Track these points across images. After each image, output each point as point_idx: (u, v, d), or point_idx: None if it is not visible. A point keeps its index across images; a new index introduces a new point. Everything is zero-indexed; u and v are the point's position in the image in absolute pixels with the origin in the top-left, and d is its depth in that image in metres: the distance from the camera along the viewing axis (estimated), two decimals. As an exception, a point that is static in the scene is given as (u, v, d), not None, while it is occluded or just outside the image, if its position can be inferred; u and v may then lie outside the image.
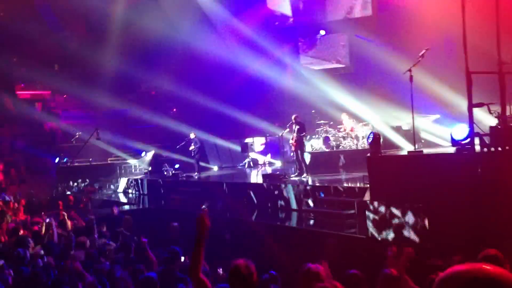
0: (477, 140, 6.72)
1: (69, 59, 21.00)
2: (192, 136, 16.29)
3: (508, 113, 7.17)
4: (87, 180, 18.17)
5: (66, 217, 9.34)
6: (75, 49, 20.21)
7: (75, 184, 18.31)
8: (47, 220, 8.66)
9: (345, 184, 10.42)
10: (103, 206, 13.97)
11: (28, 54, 20.31)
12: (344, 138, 15.39)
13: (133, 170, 19.65)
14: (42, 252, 7.02)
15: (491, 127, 6.67)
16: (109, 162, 20.00)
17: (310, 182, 11.64)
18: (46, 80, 21.47)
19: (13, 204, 11.62)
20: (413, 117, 8.40)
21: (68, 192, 17.47)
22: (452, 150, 7.26)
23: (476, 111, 7.09)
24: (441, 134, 14.00)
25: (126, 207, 14.51)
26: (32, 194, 16.00)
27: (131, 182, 17.23)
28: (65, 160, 19.61)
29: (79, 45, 20.29)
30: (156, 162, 18.79)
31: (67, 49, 20.44)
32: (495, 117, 7.03)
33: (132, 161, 19.91)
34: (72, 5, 19.82)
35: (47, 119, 22.18)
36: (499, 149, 6.41)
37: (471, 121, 6.67)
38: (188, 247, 8.06)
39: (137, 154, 19.91)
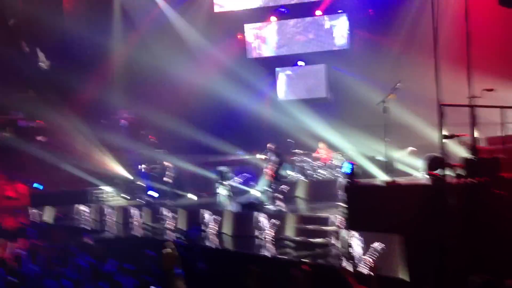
0: (448, 171, 6.87)
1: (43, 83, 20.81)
2: (167, 163, 16.19)
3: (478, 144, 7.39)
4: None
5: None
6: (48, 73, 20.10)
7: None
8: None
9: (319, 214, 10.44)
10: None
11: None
12: (320, 167, 15.53)
13: (105, 197, 19.29)
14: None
15: (466, 159, 6.84)
16: (82, 188, 19.60)
17: (285, 211, 11.63)
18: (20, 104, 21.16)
19: None
20: (386, 148, 8.57)
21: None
22: (426, 180, 7.40)
23: (448, 142, 7.29)
24: (414, 164, 14.29)
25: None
26: None
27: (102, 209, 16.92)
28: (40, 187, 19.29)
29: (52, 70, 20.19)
30: (130, 188, 18.57)
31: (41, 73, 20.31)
32: (467, 148, 7.24)
33: (105, 188, 19.57)
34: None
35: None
36: (474, 180, 6.57)
37: (442, 153, 6.84)
38: (161, 276, 7.95)
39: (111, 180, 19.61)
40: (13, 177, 20.49)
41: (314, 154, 15.94)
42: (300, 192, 14.47)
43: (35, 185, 19.52)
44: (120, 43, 20.57)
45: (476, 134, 7.30)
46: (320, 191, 14.24)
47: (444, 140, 7.05)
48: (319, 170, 15.53)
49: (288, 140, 16.89)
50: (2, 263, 7.90)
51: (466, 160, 6.82)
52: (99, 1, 21.21)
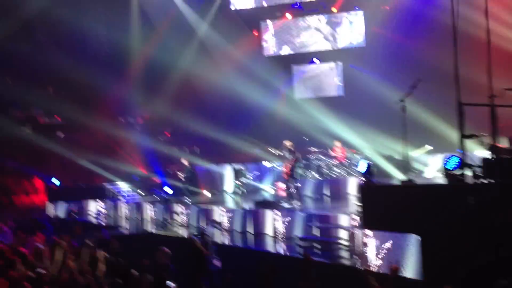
0: (468, 172, 6.77)
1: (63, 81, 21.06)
2: (184, 161, 16.24)
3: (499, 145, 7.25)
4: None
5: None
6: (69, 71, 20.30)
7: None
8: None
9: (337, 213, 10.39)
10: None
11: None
12: (336, 166, 15.45)
13: (124, 194, 19.46)
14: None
15: (484, 159, 6.72)
16: (98, 184, 19.81)
17: (301, 210, 11.59)
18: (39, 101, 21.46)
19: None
20: (404, 147, 8.45)
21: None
22: (444, 181, 7.29)
23: (468, 143, 7.17)
24: (432, 164, 14.13)
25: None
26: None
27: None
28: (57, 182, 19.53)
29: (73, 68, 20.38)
30: (145, 185, 18.74)
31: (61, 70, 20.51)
32: (487, 149, 7.11)
33: (123, 185, 19.74)
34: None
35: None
36: (492, 181, 6.45)
37: (463, 153, 6.73)
38: (179, 273, 7.97)
39: (129, 178, 19.78)
40: (31, 173, 20.79)
41: (331, 153, 15.85)
42: (315, 190, 14.42)
43: (52, 180, 19.75)
44: (138, 41, 20.71)
45: (496, 134, 7.17)
46: (336, 189, 14.20)
47: (463, 140, 6.94)
48: (334, 169, 15.45)
49: (303, 137, 16.84)
50: (23, 257, 7.98)
51: (484, 160, 6.69)
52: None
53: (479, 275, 5.96)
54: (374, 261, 7.55)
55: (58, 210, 17.85)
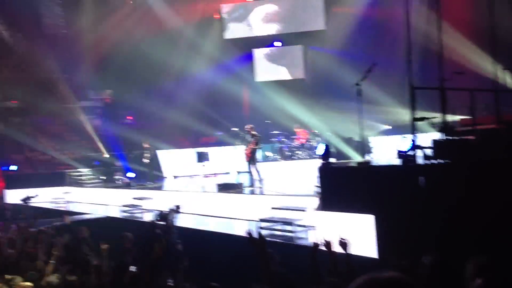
0: (420, 152, 7.04)
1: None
2: (145, 145, 16.16)
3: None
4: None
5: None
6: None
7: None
8: None
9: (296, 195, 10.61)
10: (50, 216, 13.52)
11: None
12: (297, 148, 15.71)
13: (84, 179, 19.21)
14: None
15: (433, 140, 7.01)
16: (58, 170, 19.46)
17: (263, 193, 11.78)
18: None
19: None
20: (361, 129, 8.69)
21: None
22: (398, 161, 7.57)
23: (423, 124, 7.46)
24: (390, 145, 14.53)
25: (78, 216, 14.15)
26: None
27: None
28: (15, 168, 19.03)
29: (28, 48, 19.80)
30: (107, 170, 18.53)
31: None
32: (437, 130, 7.41)
33: (84, 170, 19.47)
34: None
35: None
36: (441, 161, 6.75)
37: (413, 134, 7.00)
38: (140, 257, 8.01)
39: (88, 162, 19.49)
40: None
41: (295, 136, 16.08)
42: (279, 172, 14.63)
43: (10, 167, 19.24)
44: (94, 22, 20.23)
45: (447, 117, 7.48)
46: (297, 171, 14.45)
47: (415, 123, 7.21)
48: (296, 151, 15.70)
49: (266, 121, 16.99)
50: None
51: (435, 141, 6.98)
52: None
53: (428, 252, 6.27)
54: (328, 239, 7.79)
55: (15, 197, 17.49)
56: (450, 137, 7.24)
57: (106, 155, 19.54)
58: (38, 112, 21.35)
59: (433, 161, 6.78)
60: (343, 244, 4.89)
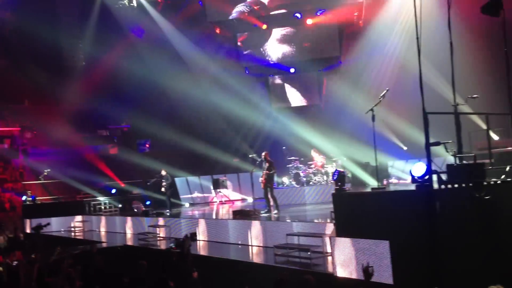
0: (435, 177, 6.98)
1: (38, 94, 20.92)
2: (163, 172, 16.27)
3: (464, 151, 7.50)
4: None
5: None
6: (44, 85, 20.18)
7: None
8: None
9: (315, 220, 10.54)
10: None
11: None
12: (314, 174, 15.64)
13: (102, 208, 19.37)
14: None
15: (447, 165, 6.95)
16: (78, 199, 19.69)
17: (279, 219, 11.72)
18: (15, 116, 21.31)
19: None
20: (376, 154, 8.67)
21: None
22: (413, 187, 7.50)
23: (437, 149, 7.41)
24: (407, 169, 14.42)
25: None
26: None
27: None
28: (32, 197, 19.20)
29: (48, 81, 20.27)
30: (126, 199, 18.70)
31: (37, 84, 20.39)
32: (452, 155, 7.34)
33: (102, 198, 19.65)
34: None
35: (15, 156, 21.80)
36: (456, 186, 6.67)
37: (428, 160, 6.95)
38: (154, 286, 8.01)
39: (106, 191, 19.67)
40: (7, 189, 20.56)
41: (312, 162, 16.03)
42: (293, 198, 14.58)
43: (26, 196, 19.38)
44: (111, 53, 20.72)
45: (460, 140, 7.43)
46: (313, 197, 14.39)
47: (430, 147, 7.16)
48: (312, 176, 15.65)
49: (283, 148, 17.04)
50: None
51: (449, 166, 6.92)
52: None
53: (447, 278, 6.16)
54: (347, 267, 7.70)
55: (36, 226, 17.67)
56: (466, 162, 7.18)
57: (123, 184, 19.73)
58: (60, 142, 21.77)
59: (448, 185, 6.71)
60: (367, 272, 4.78)
